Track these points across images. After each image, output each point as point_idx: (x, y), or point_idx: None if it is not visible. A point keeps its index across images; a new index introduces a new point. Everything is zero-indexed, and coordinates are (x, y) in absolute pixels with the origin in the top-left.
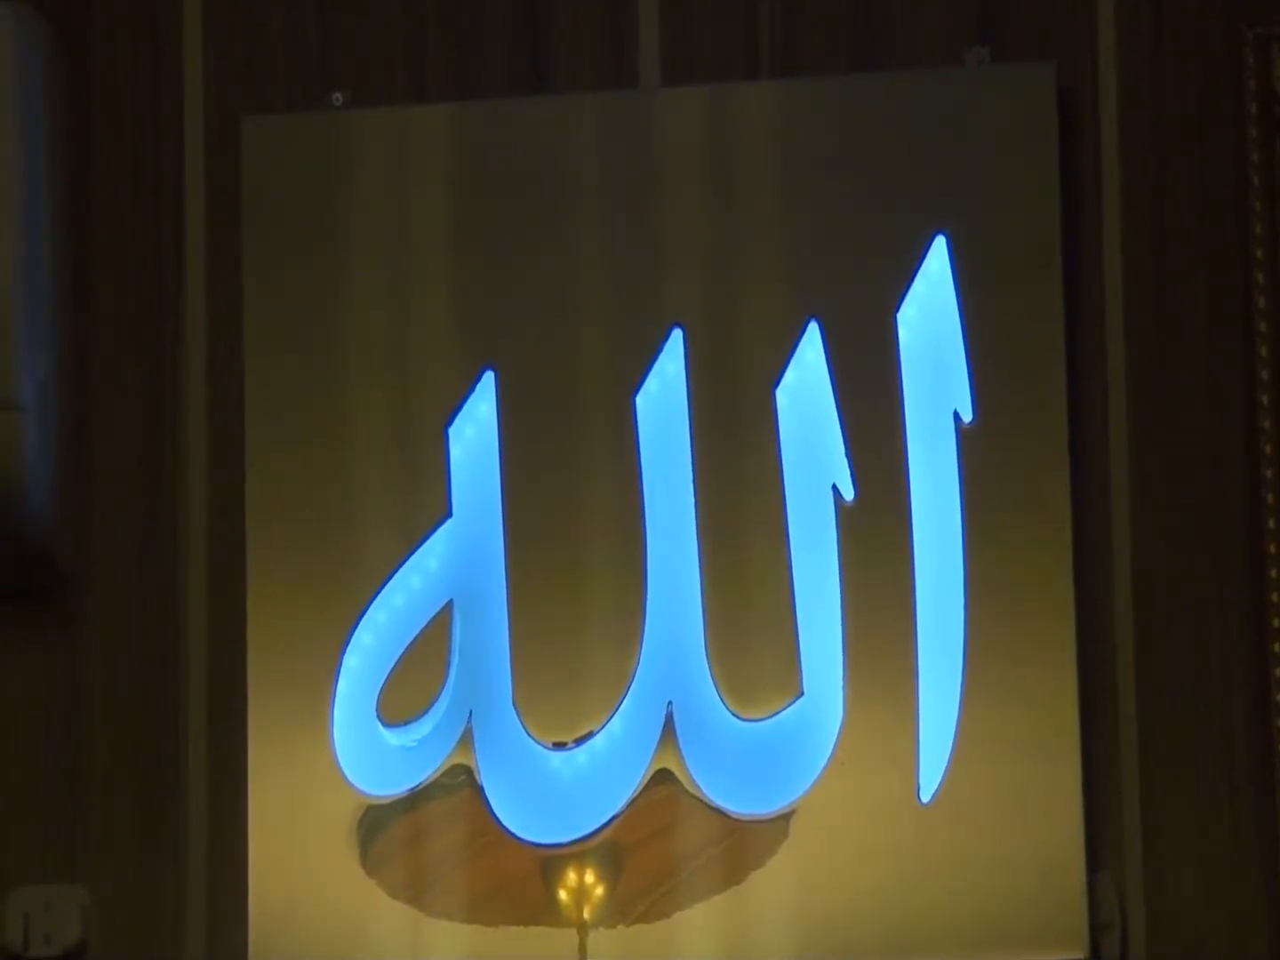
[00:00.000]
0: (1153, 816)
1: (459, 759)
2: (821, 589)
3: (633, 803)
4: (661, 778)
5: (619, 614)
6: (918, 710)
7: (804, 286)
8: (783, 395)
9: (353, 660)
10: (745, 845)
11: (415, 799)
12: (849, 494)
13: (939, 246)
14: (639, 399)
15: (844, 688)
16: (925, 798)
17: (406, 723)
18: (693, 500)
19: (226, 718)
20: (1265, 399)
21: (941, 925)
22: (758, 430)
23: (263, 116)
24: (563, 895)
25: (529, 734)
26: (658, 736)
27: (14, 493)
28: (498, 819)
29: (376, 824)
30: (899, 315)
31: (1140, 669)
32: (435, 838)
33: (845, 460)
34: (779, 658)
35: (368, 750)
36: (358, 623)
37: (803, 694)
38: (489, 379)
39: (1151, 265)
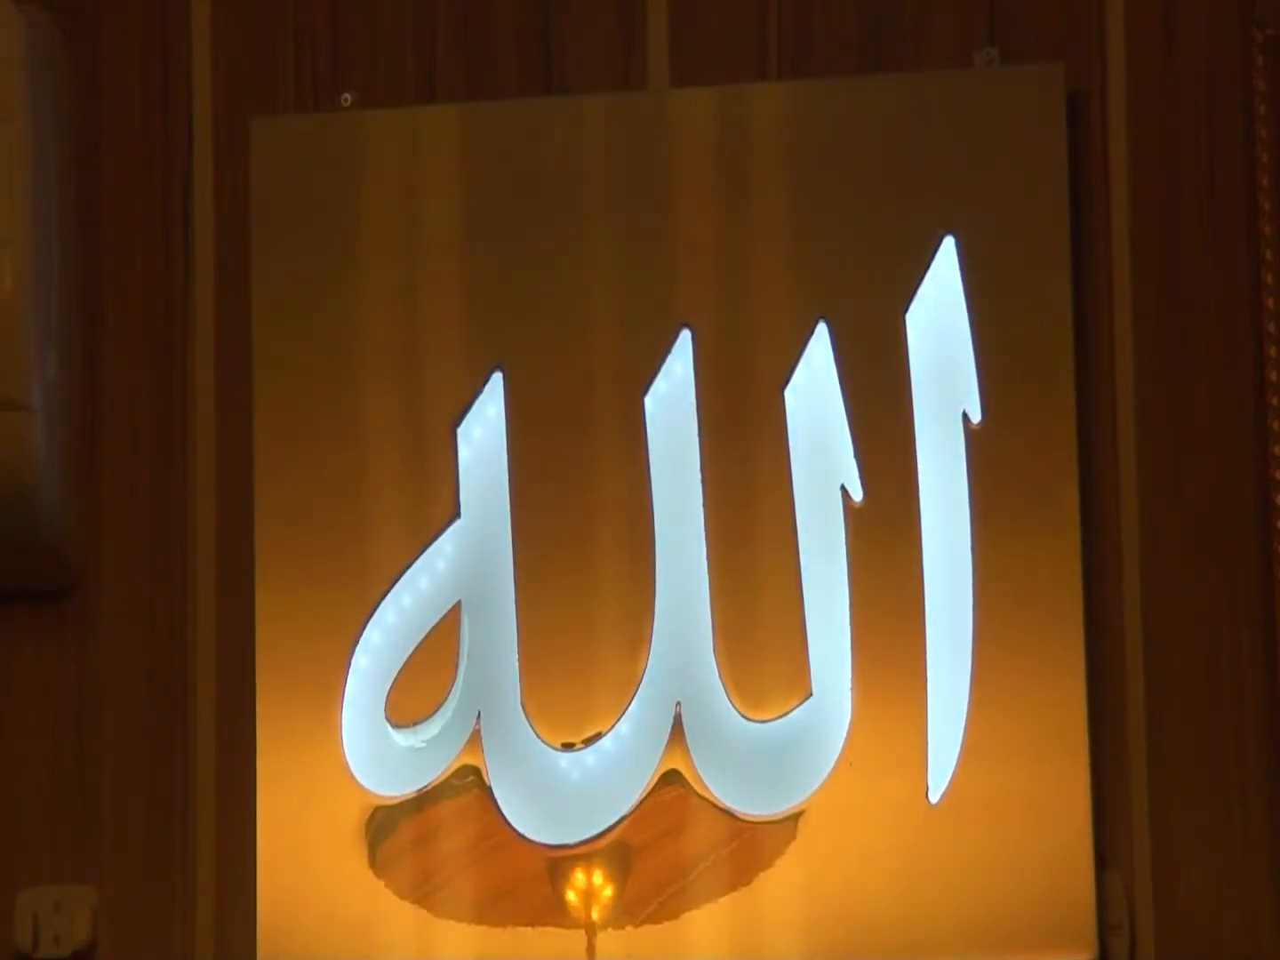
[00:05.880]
0: (1162, 818)
1: (467, 760)
2: (830, 589)
3: (641, 804)
4: (670, 779)
5: (627, 615)
6: (927, 711)
7: (812, 287)
8: (791, 396)
9: (362, 660)
10: (754, 846)
11: (424, 800)
12: (857, 495)
13: (948, 247)
14: (648, 399)
15: (852, 688)
16: (934, 798)
17: (415, 724)
18: (701, 500)
19: (235, 718)
20: (1275, 400)
21: (950, 926)
22: (766, 431)
23: (272, 117)
24: (571, 896)
25: (537, 735)
26: (666, 737)
27: (24, 494)
28: (506, 820)
29: (385, 825)
30: (908, 316)
31: (1149, 670)
32: (444, 838)
33: (854, 461)
34: (788, 659)
35: (376, 751)
36: (367, 623)
37: (811, 695)
38: (497, 380)
39: (1160, 266)
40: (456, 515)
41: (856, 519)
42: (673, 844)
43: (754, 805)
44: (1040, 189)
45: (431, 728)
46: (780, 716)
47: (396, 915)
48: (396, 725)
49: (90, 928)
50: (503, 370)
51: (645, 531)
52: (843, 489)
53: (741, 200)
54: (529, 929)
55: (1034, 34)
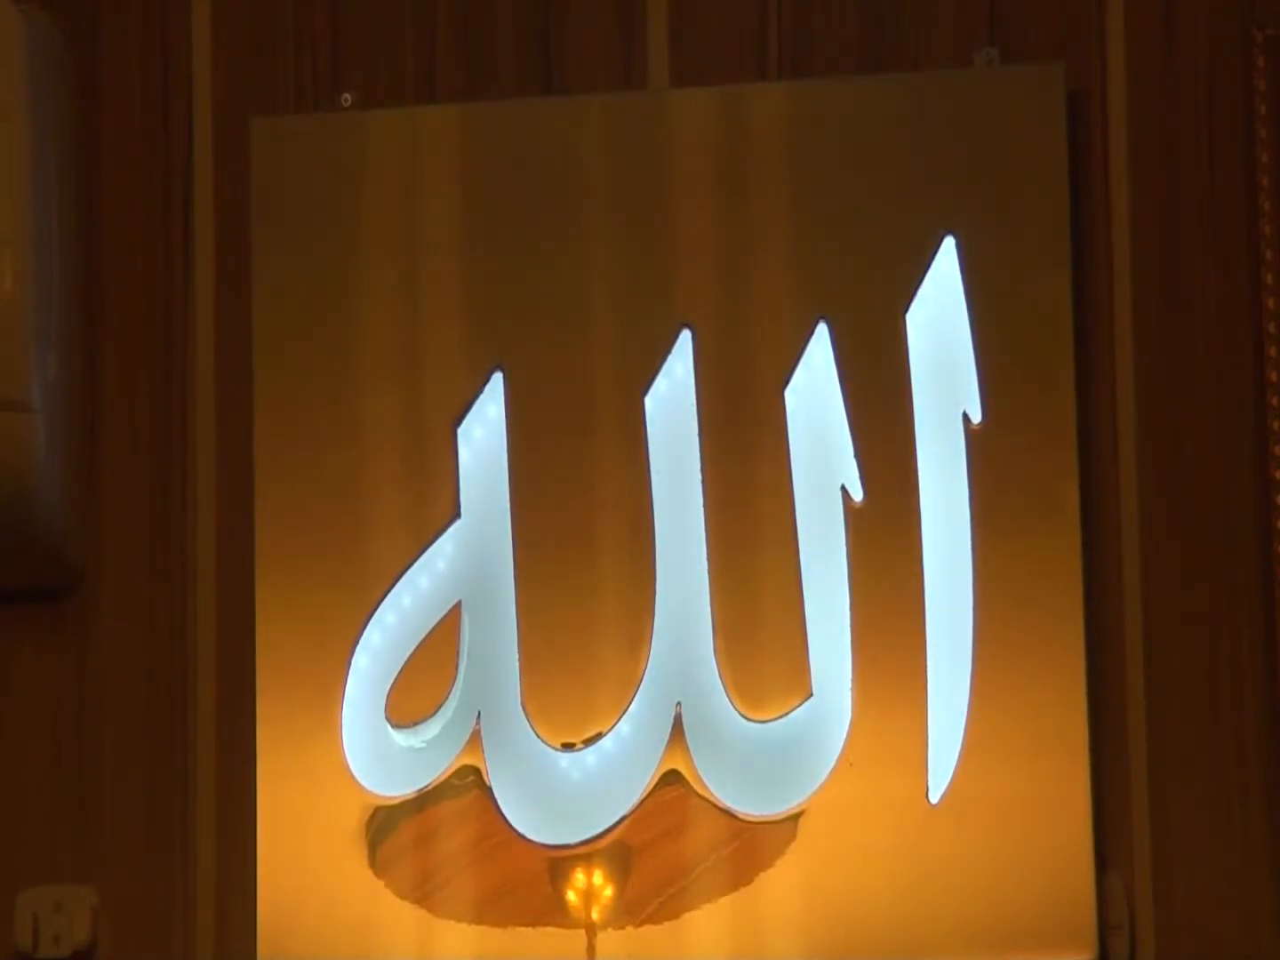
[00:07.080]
0: (1162, 818)
1: (467, 760)
2: (830, 590)
3: (641, 804)
4: (670, 779)
5: (627, 615)
6: (927, 711)
7: (813, 287)
8: (791, 396)
9: (362, 660)
10: (754, 846)
11: (424, 800)
12: (857, 495)
13: (948, 247)
14: (648, 399)
15: (852, 688)
16: (934, 798)
17: (415, 724)
18: (701, 500)
19: (235, 718)
20: (1275, 400)
21: (950, 926)
22: (767, 431)
23: (272, 117)
24: (571, 896)
25: (537, 735)
26: (666, 738)
27: (25, 493)
28: (506, 820)
29: (385, 825)
30: (908, 316)
31: (1150, 670)
32: (444, 839)
33: (854, 461)
34: (788, 659)
35: (376, 751)
36: (367, 623)
37: (811, 695)
38: (497, 380)
39: (1160, 266)
40: (456, 515)
41: (856, 519)
42: (673, 844)
43: (754, 805)
44: (1040, 189)
45: (432, 728)
46: (780, 716)
47: (396, 915)
48: (397, 725)
49: (90, 928)
50: (503, 370)
51: (645, 531)
52: (843, 489)
53: (741, 200)
54: (529, 929)
55: (1034, 34)
